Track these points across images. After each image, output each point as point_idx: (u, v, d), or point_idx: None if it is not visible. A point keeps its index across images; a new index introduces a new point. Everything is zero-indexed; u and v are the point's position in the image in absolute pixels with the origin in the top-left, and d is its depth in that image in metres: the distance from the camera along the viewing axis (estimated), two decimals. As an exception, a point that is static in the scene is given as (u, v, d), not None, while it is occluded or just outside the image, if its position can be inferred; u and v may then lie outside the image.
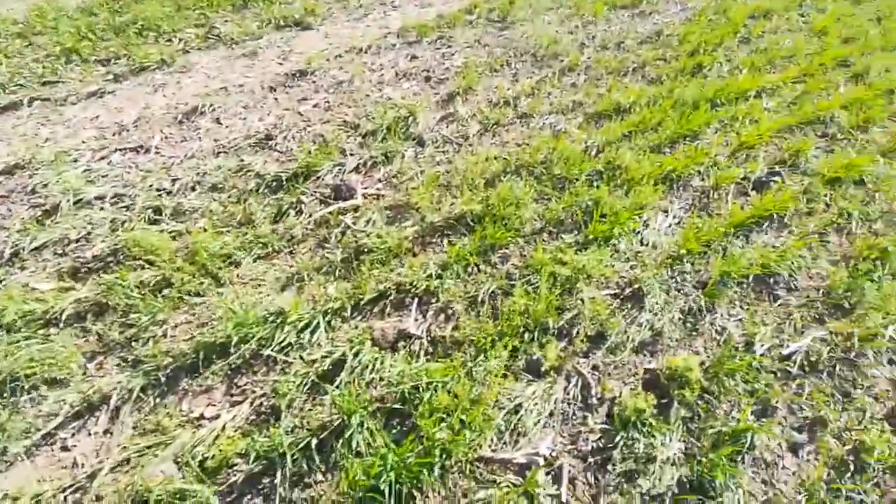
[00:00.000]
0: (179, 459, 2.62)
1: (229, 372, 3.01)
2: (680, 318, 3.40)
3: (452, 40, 6.23)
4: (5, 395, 2.78)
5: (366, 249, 3.64)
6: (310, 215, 3.90)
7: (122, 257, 3.50)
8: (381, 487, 2.50)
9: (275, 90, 5.20)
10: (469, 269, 3.59)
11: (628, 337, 3.27)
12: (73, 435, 2.73)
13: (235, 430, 2.76)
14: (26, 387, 2.82)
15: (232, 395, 2.94)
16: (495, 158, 4.43)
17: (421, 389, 2.88)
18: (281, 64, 5.62)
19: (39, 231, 3.58)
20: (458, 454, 2.69)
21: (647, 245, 3.81)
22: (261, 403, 2.89)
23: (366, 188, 4.19)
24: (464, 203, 3.95)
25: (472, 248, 3.60)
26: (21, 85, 4.88)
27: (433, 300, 3.42)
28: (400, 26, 6.37)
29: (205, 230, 3.64)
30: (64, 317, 3.14)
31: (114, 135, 4.47)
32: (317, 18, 6.45)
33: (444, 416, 2.78)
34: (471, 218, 3.89)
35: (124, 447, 2.67)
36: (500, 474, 2.66)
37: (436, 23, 6.48)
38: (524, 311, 3.25)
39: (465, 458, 2.70)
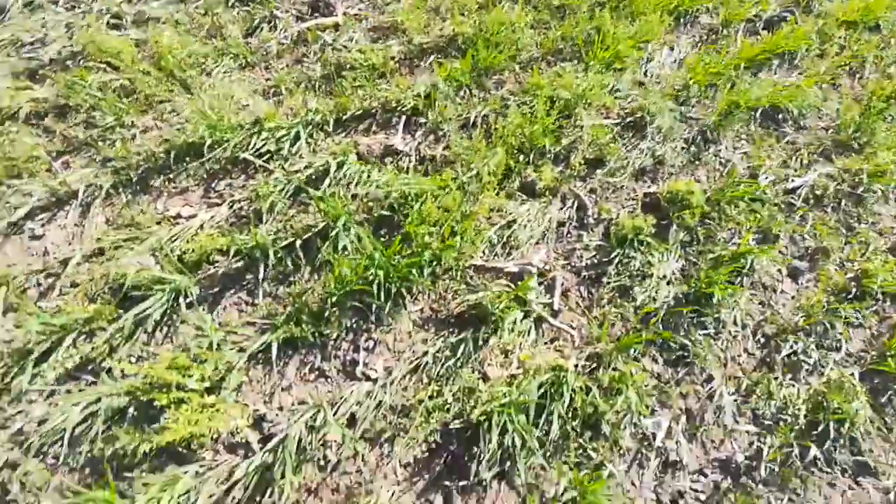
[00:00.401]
0: (157, 253, 2.50)
1: (205, 176, 2.85)
2: (683, 148, 3.25)
3: None
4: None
5: (348, 66, 3.36)
6: (285, 31, 3.57)
7: (81, 61, 3.19)
8: (370, 286, 2.42)
9: None
10: (461, 93, 3.37)
11: (628, 163, 3.13)
12: (43, 226, 2.59)
13: (214, 229, 2.63)
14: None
15: (209, 198, 2.78)
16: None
17: (409, 200, 2.75)
18: None
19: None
20: (448, 260, 2.61)
21: (650, 77, 3.59)
22: (240, 207, 2.75)
23: (347, 7, 3.84)
24: (454, 25, 3.64)
25: (463, 70, 3.35)
26: None
27: (422, 120, 3.21)
28: None
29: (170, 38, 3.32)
30: (22, 115, 2.90)
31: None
32: None
33: (434, 226, 2.66)
34: (462, 41, 3.59)
35: (97, 238, 2.54)
36: (491, 281, 2.59)
37: None
38: (519, 133, 3.07)
39: (455, 265, 2.62)
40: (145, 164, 2.80)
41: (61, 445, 2.06)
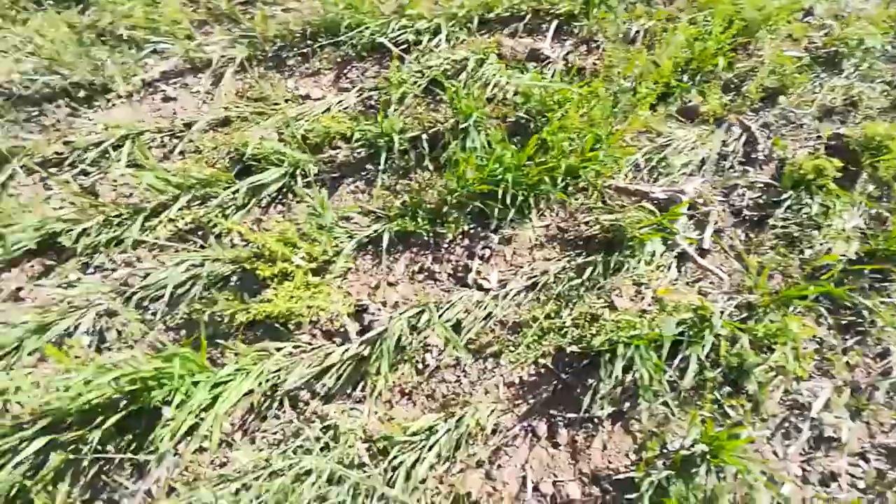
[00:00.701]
0: (282, 130, 2.40)
1: (339, 60, 2.72)
2: (885, 91, 2.69)
3: None
4: (110, 42, 2.61)
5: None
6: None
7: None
8: (495, 189, 2.19)
9: None
10: (623, 2, 2.97)
11: (815, 100, 2.63)
12: (175, 89, 2.57)
13: (341, 112, 2.50)
14: (134, 37, 2.63)
15: (340, 83, 2.66)
16: None
17: (551, 106, 2.46)
18: None
19: None
20: (586, 176, 2.31)
21: (852, 7, 3.00)
22: (370, 96, 2.60)
23: None
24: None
25: (627, -23, 2.95)
26: None
27: (575, 28, 2.88)
28: None
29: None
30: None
31: None
32: None
33: (575, 137, 2.36)
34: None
35: (225, 108, 2.49)
36: (633, 205, 2.27)
37: None
38: (686, 51, 2.65)
39: (593, 182, 2.32)
40: (281, 41, 2.71)
41: (161, 302, 2.03)
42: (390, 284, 2.14)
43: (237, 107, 2.47)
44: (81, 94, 2.47)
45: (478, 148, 2.30)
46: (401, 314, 2.02)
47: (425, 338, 2.00)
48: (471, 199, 2.25)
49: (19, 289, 2.05)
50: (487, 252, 2.21)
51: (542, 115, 2.47)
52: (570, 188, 2.35)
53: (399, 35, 2.71)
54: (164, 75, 2.58)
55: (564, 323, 2.00)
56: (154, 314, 2.03)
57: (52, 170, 2.31)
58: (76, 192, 2.19)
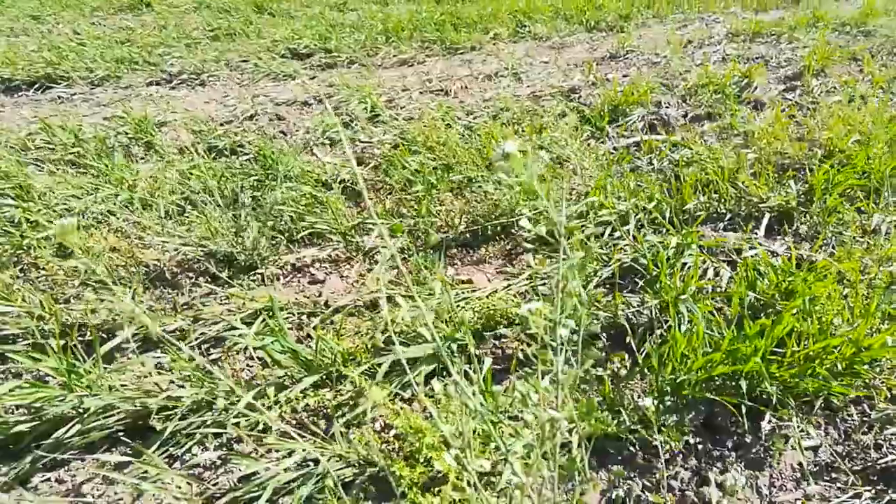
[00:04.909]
0: (438, 313, 2.02)
1: (508, 249, 2.43)
2: None
3: (793, 38, 5.31)
4: (269, 220, 2.55)
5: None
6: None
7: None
8: (731, 386, 1.56)
9: (580, 65, 4.85)
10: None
11: None
12: (325, 274, 2.36)
13: (509, 296, 2.10)
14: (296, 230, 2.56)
15: (507, 269, 2.32)
16: None
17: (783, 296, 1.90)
18: (588, 53, 5.33)
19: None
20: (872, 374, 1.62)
21: None
22: (543, 282, 2.20)
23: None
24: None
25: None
26: (344, 52, 5.30)
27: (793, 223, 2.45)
28: (728, 30, 5.68)
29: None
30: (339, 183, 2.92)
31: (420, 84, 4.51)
32: (629, 23, 6.14)
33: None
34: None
35: (374, 290, 2.18)
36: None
37: (770, 25, 5.65)
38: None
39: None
40: (444, 231, 2.49)
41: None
42: (579, 517, 1.45)
43: (390, 290, 2.17)
44: (224, 273, 2.30)
45: (695, 336, 1.72)
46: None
47: None
48: (689, 405, 1.61)
49: (82, 483, 1.60)
50: (730, 479, 1.48)
51: (772, 306, 1.90)
52: (836, 399, 1.65)
53: (579, 224, 2.40)
54: (316, 260, 2.40)
55: None
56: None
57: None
58: (187, 366, 1.83)
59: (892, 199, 2.48)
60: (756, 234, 2.43)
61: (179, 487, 1.52)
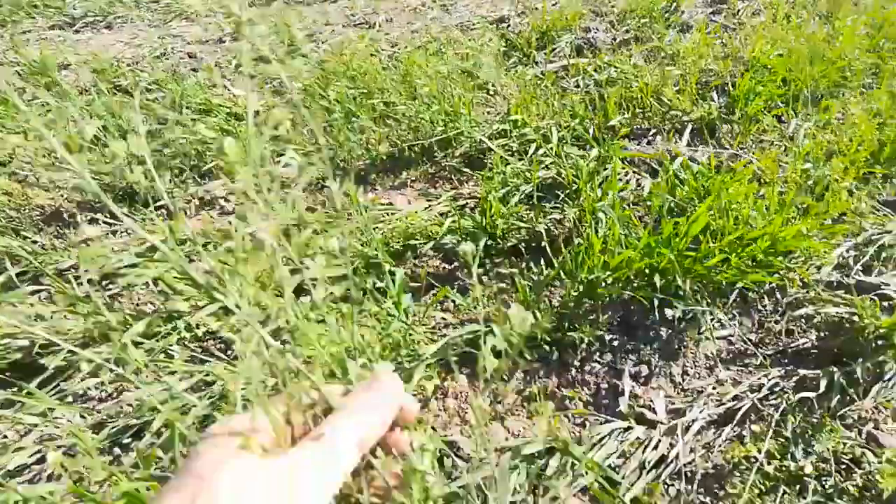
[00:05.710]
0: (357, 236, 1.95)
1: (430, 173, 2.36)
2: None
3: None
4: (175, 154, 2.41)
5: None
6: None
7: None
8: (644, 288, 1.55)
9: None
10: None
11: None
12: (235, 205, 2.25)
13: (430, 217, 2.05)
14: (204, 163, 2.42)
15: (429, 190, 2.26)
16: None
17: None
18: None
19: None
20: (786, 266, 1.64)
21: None
22: (465, 204, 2.15)
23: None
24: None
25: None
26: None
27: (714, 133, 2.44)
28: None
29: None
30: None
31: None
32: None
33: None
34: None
35: (291, 219, 2.09)
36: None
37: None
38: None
39: (803, 274, 1.63)
40: (362, 160, 2.40)
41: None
42: (494, 419, 1.43)
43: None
44: (124, 209, 2.17)
45: (612, 237, 1.70)
46: (513, 459, 1.28)
47: (554, 500, 1.22)
48: (605, 305, 1.60)
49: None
50: (644, 370, 1.48)
51: (692, 210, 1.90)
52: (751, 291, 1.67)
53: (501, 143, 2.35)
54: (230, 193, 2.28)
55: (802, 469, 1.18)
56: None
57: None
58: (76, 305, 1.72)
59: (811, 108, 2.50)
60: (678, 143, 2.42)
61: (71, 422, 1.43)
